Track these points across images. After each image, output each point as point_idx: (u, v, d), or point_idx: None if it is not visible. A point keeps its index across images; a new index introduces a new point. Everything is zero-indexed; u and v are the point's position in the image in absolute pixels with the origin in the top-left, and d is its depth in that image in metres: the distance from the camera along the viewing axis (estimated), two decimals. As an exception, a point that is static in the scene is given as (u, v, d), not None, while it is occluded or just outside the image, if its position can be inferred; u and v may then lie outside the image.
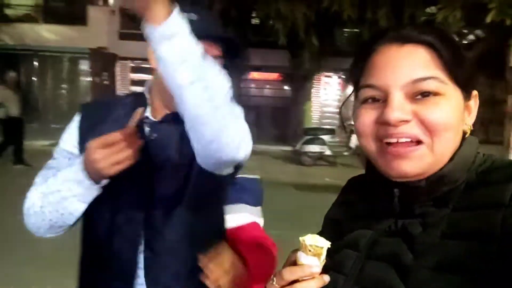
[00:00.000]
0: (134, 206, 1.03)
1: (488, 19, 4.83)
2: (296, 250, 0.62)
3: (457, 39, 0.61)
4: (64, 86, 14.19)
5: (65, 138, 1.12)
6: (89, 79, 13.94)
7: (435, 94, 0.57)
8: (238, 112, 0.96)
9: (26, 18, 13.53)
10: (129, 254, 1.04)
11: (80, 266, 1.14)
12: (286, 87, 14.15)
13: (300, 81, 11.44)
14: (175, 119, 1.07)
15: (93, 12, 13.09)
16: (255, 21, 11.66)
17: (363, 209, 0.70)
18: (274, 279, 0.62)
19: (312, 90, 12.63)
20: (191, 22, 0.78)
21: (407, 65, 0.57)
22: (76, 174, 0.96)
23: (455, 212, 0.56)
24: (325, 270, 0.61)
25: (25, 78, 14.19)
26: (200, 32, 0.81)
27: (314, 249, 0.59)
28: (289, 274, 0.60)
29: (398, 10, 8.32)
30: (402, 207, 0.62)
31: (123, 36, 12.96)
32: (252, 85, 14.28)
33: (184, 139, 1.06)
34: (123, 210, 1.03)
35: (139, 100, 1.12)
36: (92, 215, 1.05)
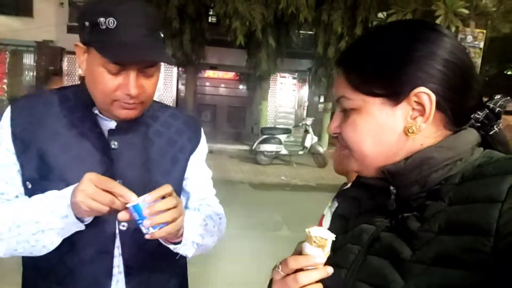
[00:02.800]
0: (103, 219, 0.95)
1: (435, 25, 5.12)
2: (303, 242, 0.64)
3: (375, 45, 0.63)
4: (5, 81, 13.30)
5: None
6: (34, 73, 13.17)
7: (351, 109, 0.63)
8: (222, 219, 1.17)
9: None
10: (104, 265, 0.98)
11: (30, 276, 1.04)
12: (242, 87, 14.15)
13: (256, 80, 11.49)
14: (132, 124, 1.01)
15: (39, 3, 12.37)
16: (212, 19, 11.57)
17: (368, 205, 0.71)
18: (280, 266, 0.64)
19: (268, 90, 12.74)
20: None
21: (335, 86, 0.68)
22: (60, 209, 0.87)
23: (451, 206, 0.56)
24: (329, 264, 0.63)
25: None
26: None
27: (319, 240, 0.61)
28: (294, 262, 0.62)
29: (351, 14, 8.60)
30: (399, 203, 0.63)
31: (71, 29, 12.35)
32: (208, 84, 14.14)
33: (146, 146, 1.03)
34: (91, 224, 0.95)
35: (82, 93, 1.00)
36: None
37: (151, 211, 0.80)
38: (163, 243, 0.97)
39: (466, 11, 5.14)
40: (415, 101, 0.60)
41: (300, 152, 9.58)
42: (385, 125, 0.61)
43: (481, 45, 5.73)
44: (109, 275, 0.98)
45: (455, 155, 0.59)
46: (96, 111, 0.99)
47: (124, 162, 0.99)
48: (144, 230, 0.81)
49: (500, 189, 0.52)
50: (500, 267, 0.49)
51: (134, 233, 0.97)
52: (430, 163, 0.59)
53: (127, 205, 0.81)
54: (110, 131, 1.00)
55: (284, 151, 9.42)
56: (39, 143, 0.95)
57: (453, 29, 5.17)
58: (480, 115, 0.63)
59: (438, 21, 5.01)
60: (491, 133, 0.64)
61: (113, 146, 0.99)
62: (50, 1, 12.38)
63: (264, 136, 9.39)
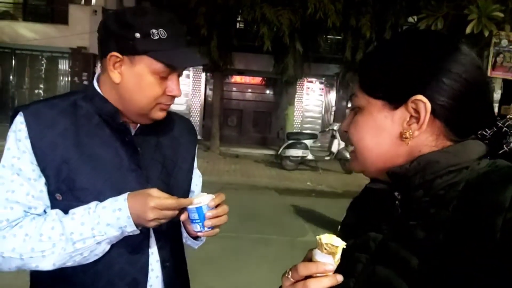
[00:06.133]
0: None
1: (468, 30, 4.97)
2: (313, 249, 0.64)
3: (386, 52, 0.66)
4: (41, 86, 13.86)
5: (15, 154, 0.93)
6: (68, 79, 13.66)
7: (358, 108, 0.67)
8: None
9: (4, 15, 13.18)
10: (140, 262, 1.01)
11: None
12: (268, 91, 14.20)
13: (282, 85, 11.49)
14: (148, 128, 1.06)
15: (74, 11, 12.84)
16: (239, 25, 11.68)
17: (375, 212, 0.71)
18: (290, 272, 0.64)
19: (295, 95, 12.72)
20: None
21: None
22: (119, 221, 0.91)
23: (456, 214, 0.57)
24: (337, 272, 0.63)
25: (2, 76, 13.82)
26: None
27: (330, 247, 0.61)
28: (304, 269, 0.62)
29: (381, 18, 8.47)
30: (404, 209, 0.64)
31: (105, 36, 12.74)
32: (235, 89, 14.26)
33: (160, 148, 1.09)
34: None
35: (98, 99, 1.01)
36: None
37: (213, 214, 0.92)
38: (188, 239, 1.12)
39: (501, 15, 4.98)
40: (413, 108, 0.61)
41: (327, 158, 9.50)
42: (382, 126, 0.64)
43: (517, 49, 5.53)
44: (145, 272, 1.01)
45: (461, 162, 0.60)
46: (122, 120, 1.01)
47: (149, 166, 1.03)
48: (198, 228, 0.94)
49: (504, 197, 0.52)
50: (504, 273, 0.49)
51: (167, 229, 1.03)
52: (434, 167, 0.60)
53: (189, 206, 0.92)
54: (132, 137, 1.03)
55: (310, 157, 9.36)
56: (62, 153, 0.94)
57: (487, 33, 5.02)
58: (487, 132, 0.64)
59: (470, 26, 4.88)
60: (500, 152, 0.63)
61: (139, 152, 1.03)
62: (85, 10, 12.83)
63: (290, 141, 9.37)
